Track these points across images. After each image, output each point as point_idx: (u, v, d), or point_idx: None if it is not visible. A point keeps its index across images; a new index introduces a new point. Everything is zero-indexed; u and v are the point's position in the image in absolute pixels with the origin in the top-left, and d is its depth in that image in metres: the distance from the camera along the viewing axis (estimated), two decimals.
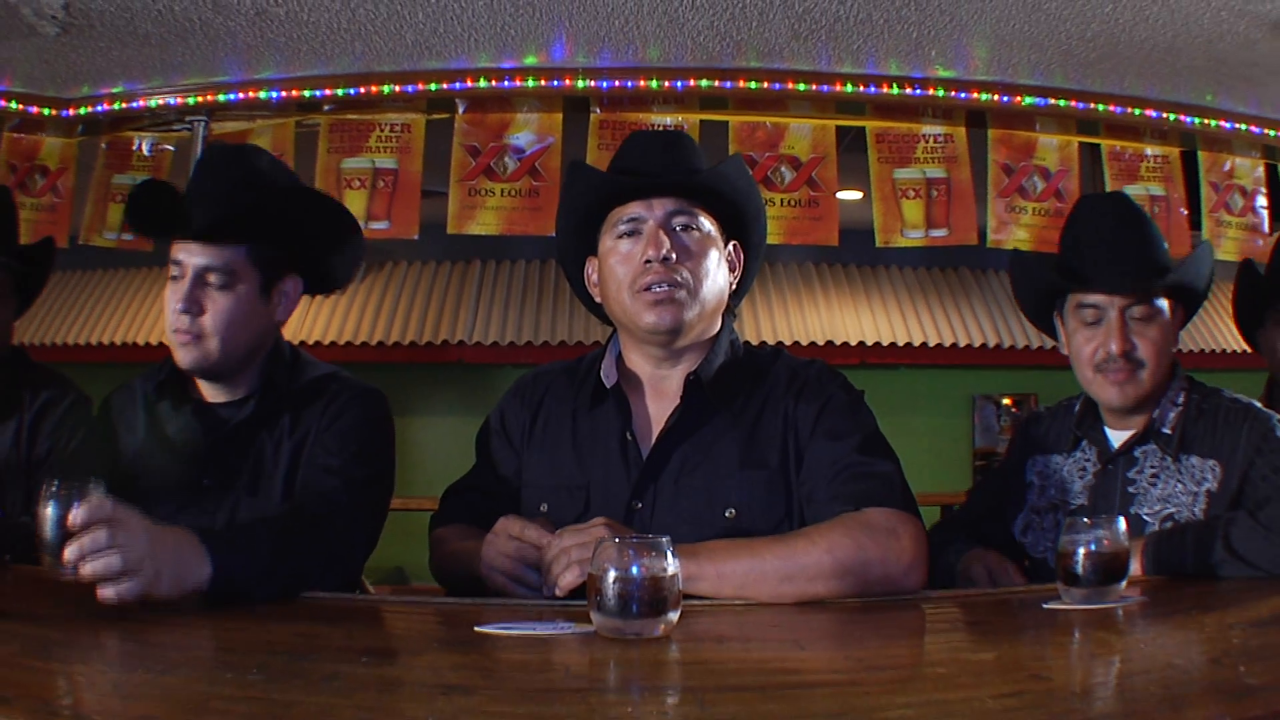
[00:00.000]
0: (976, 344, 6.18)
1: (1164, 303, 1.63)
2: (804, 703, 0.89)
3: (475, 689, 0.94)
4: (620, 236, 1.50)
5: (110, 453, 1.60)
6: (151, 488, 1.54)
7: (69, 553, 1.12)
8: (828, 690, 0.95)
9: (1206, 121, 3.97)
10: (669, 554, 1.06)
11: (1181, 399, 1.63)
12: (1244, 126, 4.00)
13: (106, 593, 1.13)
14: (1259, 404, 1.62)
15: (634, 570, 1.05)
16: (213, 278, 1.53)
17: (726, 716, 0.84)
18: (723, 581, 1.28)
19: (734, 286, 1.59)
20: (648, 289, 1.45)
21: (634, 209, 1.48)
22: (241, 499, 1.54)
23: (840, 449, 1.43)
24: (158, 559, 1.16)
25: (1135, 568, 1.41)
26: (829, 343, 6.00)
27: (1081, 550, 1.22)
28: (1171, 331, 1.63)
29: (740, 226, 1.58)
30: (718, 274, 1.52)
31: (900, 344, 6.14)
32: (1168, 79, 3.79)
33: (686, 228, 1.49)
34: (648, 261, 1.45)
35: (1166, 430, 1.60)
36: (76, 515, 1.13)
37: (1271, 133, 4.04)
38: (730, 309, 1.60)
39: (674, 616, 1.07)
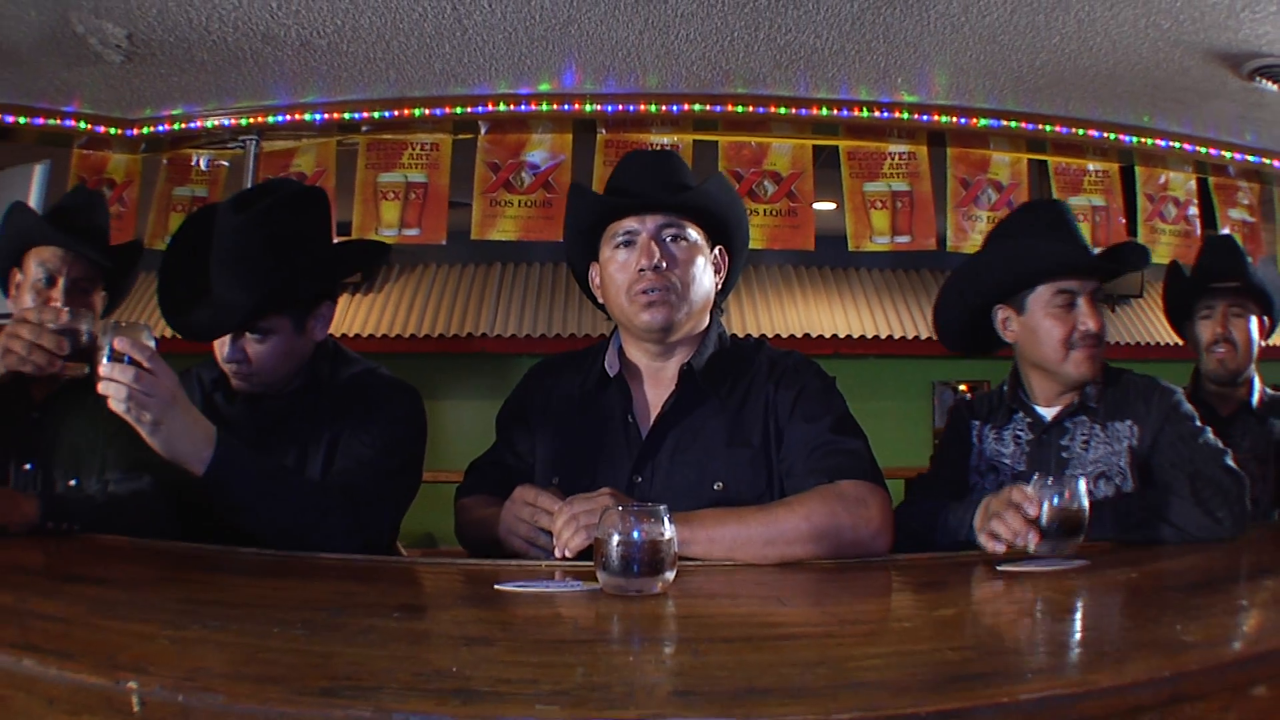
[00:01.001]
0: (935, 337, 6.17)
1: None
2: (785, 652, 0.90)
3: (494, 640, 0.95)
4: (617, 247, 1.51)
5: None
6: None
7: (103, 369, 1.23)
8: (806, 641, 0.95)
9: (1143, 140, 3.98)
10: (666, 520, 1.07)
11: (1100, 378, 1.68)
12: (1178, 145, 4.01)
13: (129, 408, 1.24)
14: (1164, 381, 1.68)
15: (635, 535, 1.06)
16: (250, 335, 1.54)
17: (716, 664, 0.85)
18: (713, 545, 1.29)
19: (720, 286, 1.60)
20: (643, 293, 1.46)
21: (629, 223, 1.49)
22: None
23: (815, 429, 1.45)
24: (170, 398, 1.27)
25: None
26: (806, 335, 5.99)
27: (1046, 505, 1.25)
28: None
29: (724, 234, 1.58)
30: (704, 277, 1.52)
31: (869, 337, 6.13)
32: (1108, 102, 3.78)
33: (675, 238, 1.50)
34: (641, 269, 1.46)
35: (1093, 404, 1.65)
36: (121, 342, 1.24)
37: (1203, 150, 4.04)
38: (717, 305, 1.60)
39: (670, 575, 1.08)
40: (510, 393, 1.67)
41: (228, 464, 1.29)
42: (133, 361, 1.24)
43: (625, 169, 1.58)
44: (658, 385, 1.54)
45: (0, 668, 0.79)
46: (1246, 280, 2.13)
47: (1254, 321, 2.14)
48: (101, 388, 1.23)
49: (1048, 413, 1.69)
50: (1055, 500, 1.26)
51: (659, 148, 3.76)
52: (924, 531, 1.51)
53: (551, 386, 1.61)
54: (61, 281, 1.72)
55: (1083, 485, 1.28)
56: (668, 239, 1.49)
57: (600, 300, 1.59)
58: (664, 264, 1.46)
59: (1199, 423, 1.59)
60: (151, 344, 1.27)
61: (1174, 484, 1.45)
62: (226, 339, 1.53)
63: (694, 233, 1.52)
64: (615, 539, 1.06)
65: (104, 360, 1.24)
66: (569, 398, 1.58)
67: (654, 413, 1.51)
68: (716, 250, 1.57)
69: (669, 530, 1.07)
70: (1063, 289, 1.64)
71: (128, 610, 1.03)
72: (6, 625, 0.91)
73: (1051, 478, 1.28)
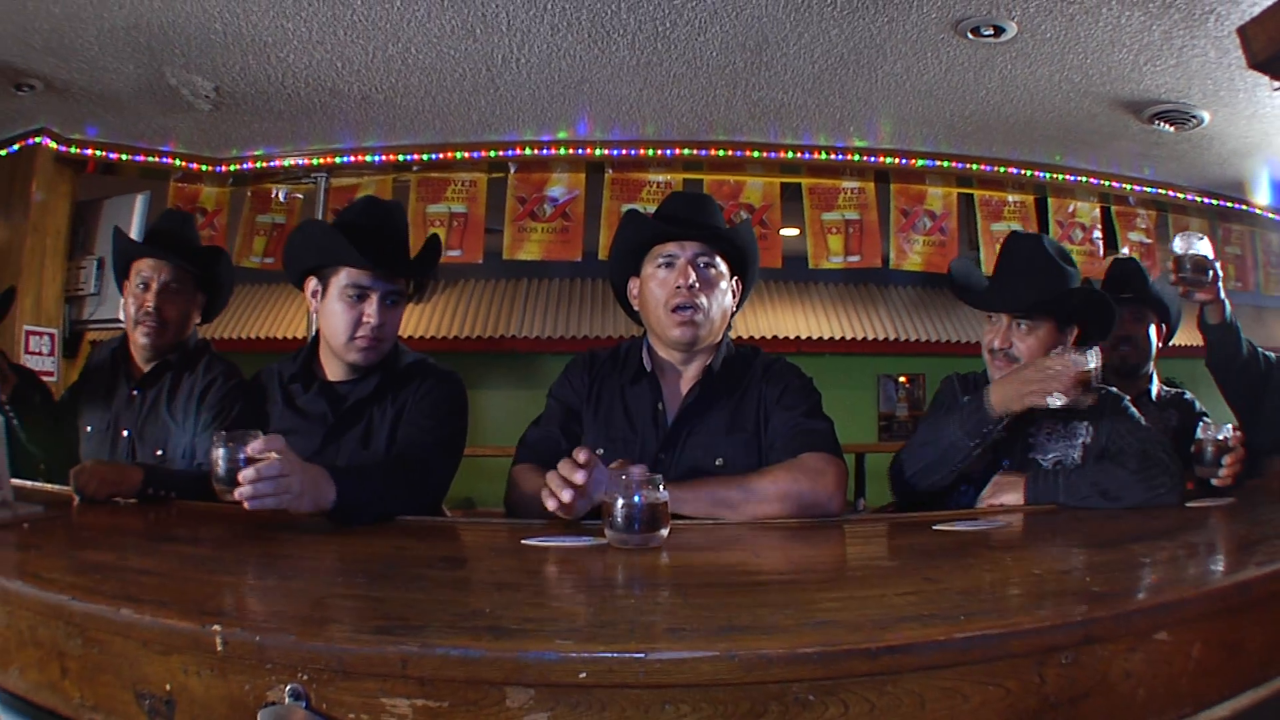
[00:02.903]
0: (880, 338, 6.17)
1: (1042, 319, 1.57)
2: (759, 595, 0.89)
3: (522, 586, 0.94)
4: (659, 266, 1.51)
5: (257, 415, 1.59)
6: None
7: (246, 474, 1.12)
8: (776, 586, 0.95)
9: (1055, 176, 3.98)
10: (660, 488, 1.07)
11: None
12: (1084, 179, 4.01)
13: (263, 504, 1.13)
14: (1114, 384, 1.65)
15: (636, 499, 1.06)
16: (389, 299, 1.52)
17: (703, 604, 0.84)
18: (699, 503, 1.31)
19: (734, 309, 1.61)
20: (677, 309, 1.48)
21: (671, 248, 1.50)
22: (356, 451, 1.53)
23: (792, 416, 1.47)
24: (303, 483, 1.17)
25: (1020, 498, 1.42)
26: (774, 336, 5.99)
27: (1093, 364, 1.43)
28: (1048, 344, 1.56)
29: (743, 268, 1.59)
30: (725, 300, 1.54)
31: (825, 338, 6.12)
32: (1026, 144, 3.78)
33: (707, 265, 1.51)
34: (678, 287, 1.47)
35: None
36: (255, 446, 1.14)
37: (1106, 183, 4.05)
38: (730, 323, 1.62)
39: (665, 533, 1.08)
40: (560, 376, 1.63)
41: (347, 494, 1.23)
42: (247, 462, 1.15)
43: (671, 203, 1.59)
44: (681, 382, 1.55)
45: (102, 616, 0.79)
46: (1145, 293, 2.15)
47: (1151, 327, 2.14)
48: (249, 505, 1.13)
49: None
50: (1091, 363, 1.40)
51: (655, 185, 3.80)
52: (920, 448, 1.54)
53: (596, 376, 1.60)
54: (155, 285, 1.73)
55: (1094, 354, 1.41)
56: (701, 265, 1.50)
57: (635, 308, 1.59)
58: (696, 285, 1.47)
59: (1140, 418, 1.56)
60: (260, 443, 1.16)
61: (1124, 462, 1.42)
62: (373, 310, 1.49)
63: (721, 263, 1.53)
64: (620, 503, 1.06)
65: (242, 475, 1.13)
66: (610, 385, 1.57)
67: (677, 404, 1.52)
68: (734, 280, 1.58)
69: (663, 495, 1.08)
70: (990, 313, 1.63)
71: (214, 565, 1.02)
72: (108, 580, 0.90)
73: (1075, 349, 1.42)
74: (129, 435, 1.66)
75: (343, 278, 1.49)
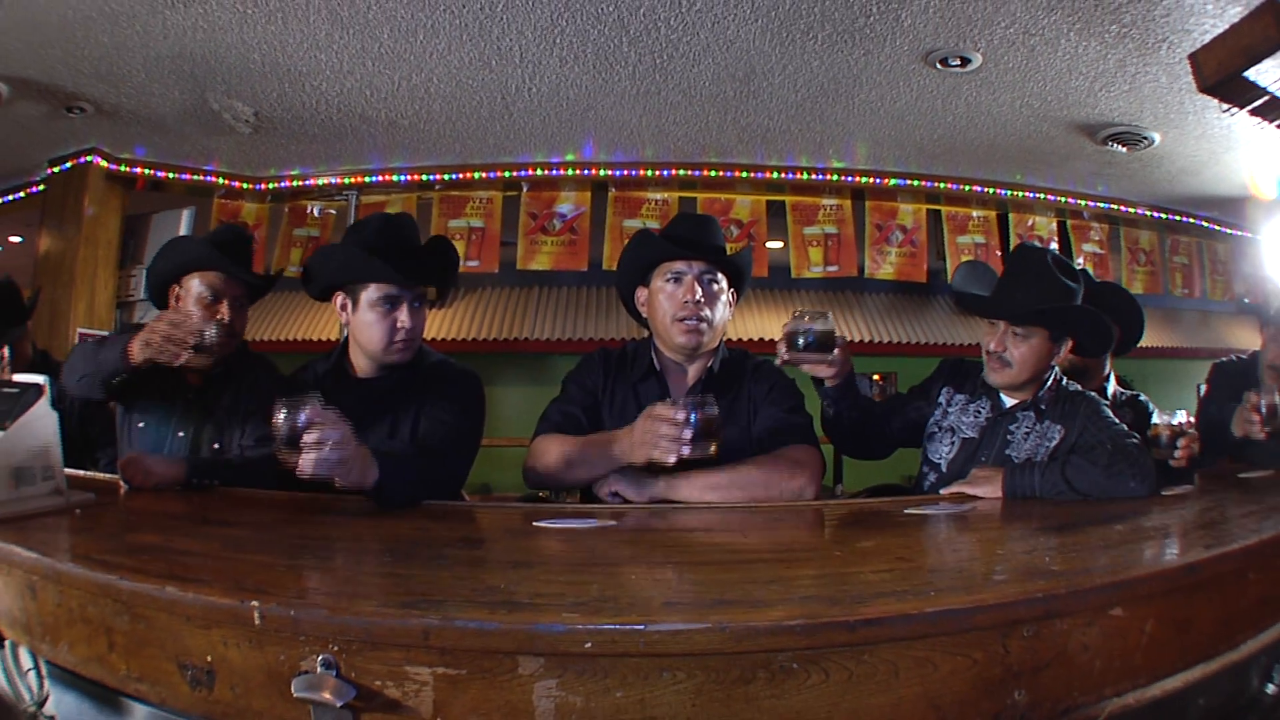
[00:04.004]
0: (856, 340, 6.16)
1: (1035, 329, 1.53)
2: (746, 571, 0.89)
3: (533, 564, 0.94)
4: (668, 280, 1.53)
5: None
6: None
7: (310, 437, 1.11)
8: (762, 564, 0.95)
9: (1015, 193, 3.98)
10: (714, 405, 1.21)
11: (1051, 383, 1.58)
12: (1043, 196, 4.02)
13: (319, 472, 1.11)
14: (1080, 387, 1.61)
15: (693, 413, 1.19)
16: (416, 303, 1.52)
17: (696, 579, 0.84)
18: (691, 488, 1.34)
19: (730, 317, 1.62)
20: (683, 320, 1.50)
21: (679, 266, 1.53)
22: (383, 442, 1.51)
23: (777, 412, 1.50)
24: (355, 455, 1.17)
25: (998, 491, 1.39)
26: (761, 339, 5.98)
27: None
28: (1041, 352, 1.53)
29: (740, 284, 1.62)
30: (724, 311, 1.57)
31: None
32: (989, 164, 3.78)
33: (711, 281, 1.53)
34: (686, 301, 1.50)
35: (1043, 405, 1.57)
36: (312, 411, 1.12)
37: (1063, 200, 4.05)
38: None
39: (714, 449, 1.22)
40: (577, 367, 1.63)
41: (387, 473, 1.22)
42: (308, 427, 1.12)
43: (678, 224, 1.61)
44: (684, 381, 1.57)
45: (148, 594, 0.78)
46: (1100, 300, 2.10)
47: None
48: (309, 468, 1.10)
49: (1008, 401, 1.60)
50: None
51: (654, 202, 3.81)
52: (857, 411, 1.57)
53: (610, 372, 1.61)
54: (226, 298, 1.67)
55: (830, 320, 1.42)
56: (706, 281, 1.52)
57: (644, 315, 1.61)
58: (702, 299, 1.50)
59: (1114, 417, 1.53)
60: (320, 405, 1.14)
61: (1095, 459, 1.39)
62: (405, 316, 1.49)
63: (723, 279, 1.55)
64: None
65: (305, 437, 1.11)
66: (621, 381, 1.58)
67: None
68: (731, 292, 1.60)
69: (716, 409, 1.20)
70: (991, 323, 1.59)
71: (253, 546, 1.02)
72: (154, 560, 0.90)
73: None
74: (184, 436, 1.64)
75: (372, 291, 1.49)
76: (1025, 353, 1.53)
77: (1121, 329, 2.10)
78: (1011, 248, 4.01)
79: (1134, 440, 1.44)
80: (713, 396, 1.24)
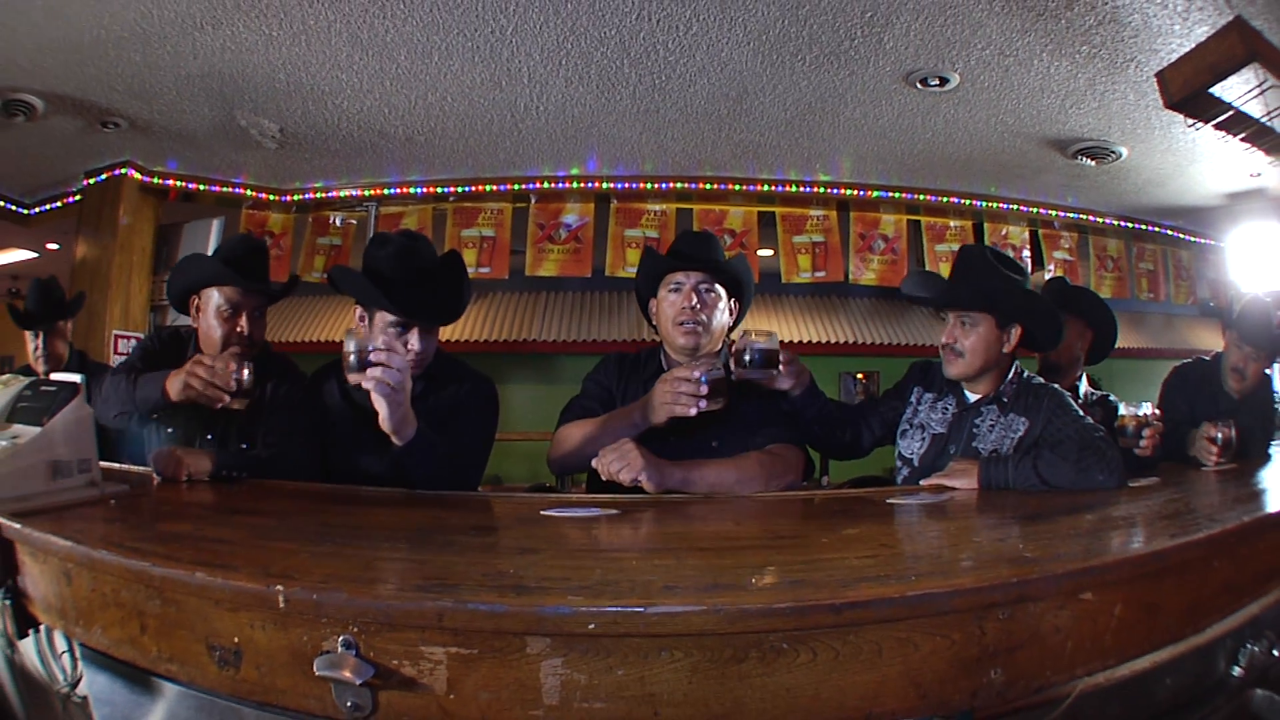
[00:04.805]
0: (841, 341, 6.16)
1: (981, 317, 1.53)
2: (740, 557, 0.89)
3: (541, 550, 0.93)
4: (670, 291, 1.57)
5: (317, 406, 1.59)
6: (342, 433, 1.53)
7: (376, 356, 1.22)
8: (755, 550, 0.95)
9: (990, 204, 3.99)
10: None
11: (1012, 377, 1.57)
12: (1016, 206, 4.03)
13: (382, 390, 1.22)
14: (1044, 380, 1.60)
15: (755, 347, 1.37)
16: (417, 330, 1.50)
17: (693, 565, 0.84)
18: (703, 481, 1.35)
19: (732, 324, 1.63)
20: (682, 324, 1.54)
21: (679, 277, 1.57)
22: None
23: (771, 411, 1.52)
24: (406, 393, 1.25)
25: (974, 482, 1.37)
26: None
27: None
28: (990, 340, 1.52)
29: (739, 293, 1.62)
30: (722, 317, 1.58)
31: (795, 341, 6.09)
32: (965, 177, 3.79)
33: (707, 290, 1.56)
34: (684, 308, 1.54)
35: (1005, 399, 1.55)
36: (383, 341, 1.24)
37: (1034, 210, 4.06)
38: (726, 334, 1.64)
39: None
40: (595, 369, 1.65)
41: (420, 438, 1.27)
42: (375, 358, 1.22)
43: (681, 241, 1.64)
44: None
45: (179, 579, 0.78)
46: (1074, 305, 2.10)
47: (1068, 329, 2.09)
48: (380, 374, 1.21)
49: (972, 396, 1.60)
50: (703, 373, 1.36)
51: (653, 214, 3.82)
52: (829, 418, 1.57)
53: (623, 375, 1.63)
54: (245, 311, 1.63)
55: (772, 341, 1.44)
56: (703, 290, 1.55)
57: (654, 322, 1.64)
58: (699, 306, 1.54)
59: (1079, 411, 1.51)
60: (386, 338, 1.25)
61: (1065, 454, 1.37)
62: (415, 341, 1.48)
63: (720, 288, 1.58)
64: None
65: (371, 356, 1.22)
66: (634, 383, 1.60)
67: None
68: (732, 301, 1.62)
69: (722, 372, 1.34)
70: (941, 314, 1.61)
71: (278, 534, 1.02)
72: (185, 547, 0.89)
73: (705, 361, 1.40)
74: (211, 438, 1.62)
75: (383, 316, 1.49)
76: (975, 341, 1.52)
77: (1096, 335, 2.11)
78: None
79: (1100, 434, 1.43)
80: (719, 361, 1.36)
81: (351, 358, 1.23)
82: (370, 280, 1.48)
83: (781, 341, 1.48)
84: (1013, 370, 1.59)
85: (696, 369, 1.33)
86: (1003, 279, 1.52)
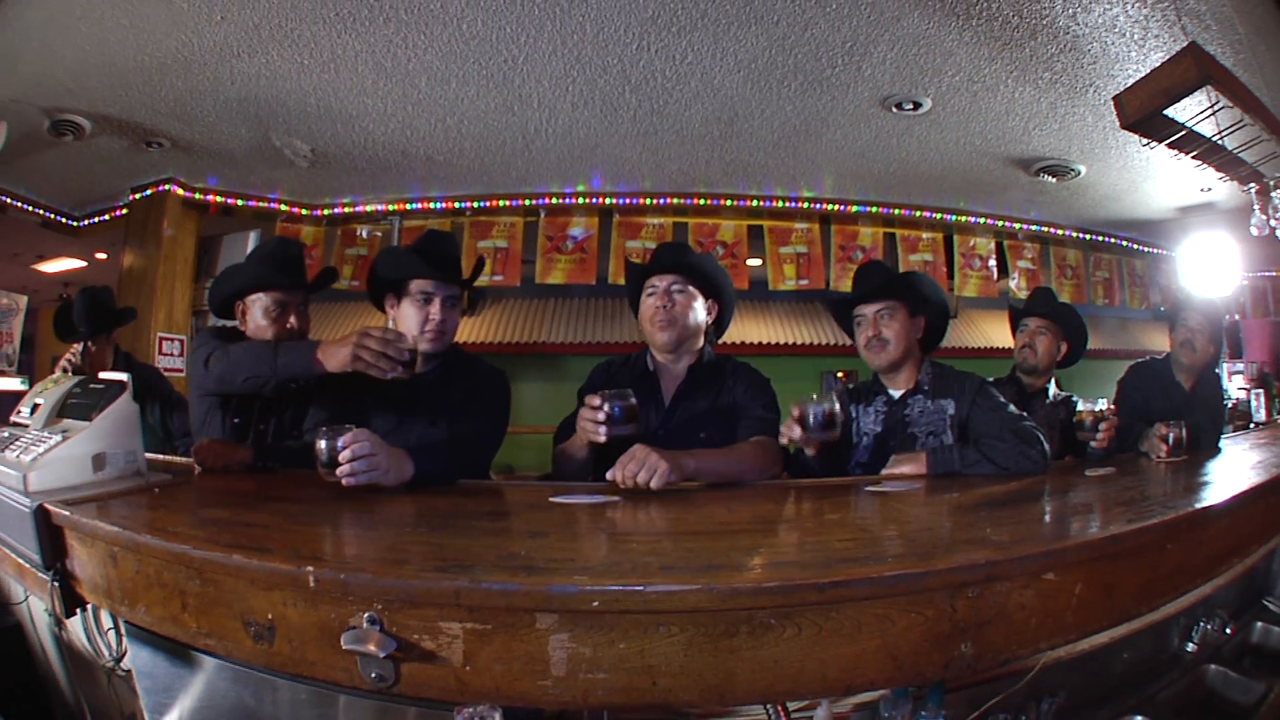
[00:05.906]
0: (823, 343, 6.18)
1: (896, 305, 1.59)
2: (732, 539, 0.89)
3: (550, 534, 0.94)
4: (648, 295, 1.58)
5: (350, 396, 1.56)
6: (369, 424, 1.51)
7: (344, 456, 1.12)
8: (746, 534, 0.95)
9: (960, 218, 4.00)
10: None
11: (929, 368, 1.62)
12: (983, 220, 4.03)
13: (358, 480, 1.12)
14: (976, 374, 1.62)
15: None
16: (449, 302, 1.49)
17: (688, 546, 0.84)
18: (701, 469, 1.33)
19: (711, 323, 1.62)
20: (655, 320, 1.55)
21: (654, 281, 1.57)
22: (425, 428, 1.49)
23: (753, 407, 1.51)
24: (388, 461, 1.16)
25: (921, 468, 1.40)
26: (742, 342, 5.98)
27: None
28: (906, 326, 1.59)
29: (714, 291, 1.61)
30: (698, 314, 1.57)
31: (780, 343, 6.10)
32: (936, 193, 3.79)
33: (680, 291, 1.56)
34: (658, 306, 1.54)
35: (926, 387, 1.59)
36: (348, 438, 1.13)
37: (1000, 223, 4.06)
38: (708, 334, 1.63)
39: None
40: (586, 381, 1.65)
41: (422, 466, 1.23)
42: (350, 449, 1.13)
43: (656, 250, 1.65)
44: (672, 379, 1.59)
45: (217, 561, 0.78)
46: (1052, 312, 2.12)
47: (1051, 338, 2.10)
48: (347, 482, 1.12)
49: (897, 393, 1.63)
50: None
51: (652, 226, 3.82)
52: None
53: (613, 378, 1.62)
54: (291, 309, 1.62)
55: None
56: (675, 291, 1.56)
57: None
58: (671, 304, 1.54)
59: (1002, 399, 1.55)
60: (353, 435, 1.15)
61: (999, 437, 1.41)
62: (437, 311, 1.47)
63: (692, 288, 1.57)
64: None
65: (340, 456, 1.13)
66: (624, 383, 1.56)
67: (670, 394, 1.57)
68: (709, 301, 1.61)
69: (634, 400, 1.29)
70: (856, 314, 1.64)
71: (310, 519, 1.02)
72: (224, 531, 0.90)
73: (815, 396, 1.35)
74: (239, 423, 1.61)
75: (413, 287, 1.49)
76: (896, 328, 1.58)
77: (1071, 347, 2.13)
78: (956, 265, 4.03)
79: (1028, 422, 1.48)
80: (631, 390, 1.31)
81: (322, 454, 1.14)
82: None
83: (768, 344, 1.48)
84: (925, 360, 1.64)
85: (598, 398, 1.28)
86: (901, 275, 1.64)
